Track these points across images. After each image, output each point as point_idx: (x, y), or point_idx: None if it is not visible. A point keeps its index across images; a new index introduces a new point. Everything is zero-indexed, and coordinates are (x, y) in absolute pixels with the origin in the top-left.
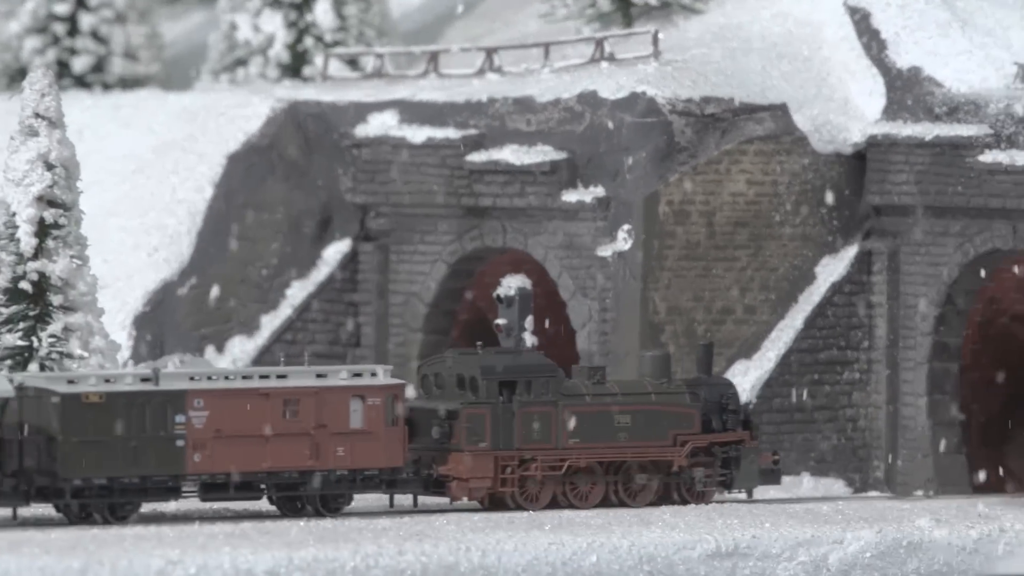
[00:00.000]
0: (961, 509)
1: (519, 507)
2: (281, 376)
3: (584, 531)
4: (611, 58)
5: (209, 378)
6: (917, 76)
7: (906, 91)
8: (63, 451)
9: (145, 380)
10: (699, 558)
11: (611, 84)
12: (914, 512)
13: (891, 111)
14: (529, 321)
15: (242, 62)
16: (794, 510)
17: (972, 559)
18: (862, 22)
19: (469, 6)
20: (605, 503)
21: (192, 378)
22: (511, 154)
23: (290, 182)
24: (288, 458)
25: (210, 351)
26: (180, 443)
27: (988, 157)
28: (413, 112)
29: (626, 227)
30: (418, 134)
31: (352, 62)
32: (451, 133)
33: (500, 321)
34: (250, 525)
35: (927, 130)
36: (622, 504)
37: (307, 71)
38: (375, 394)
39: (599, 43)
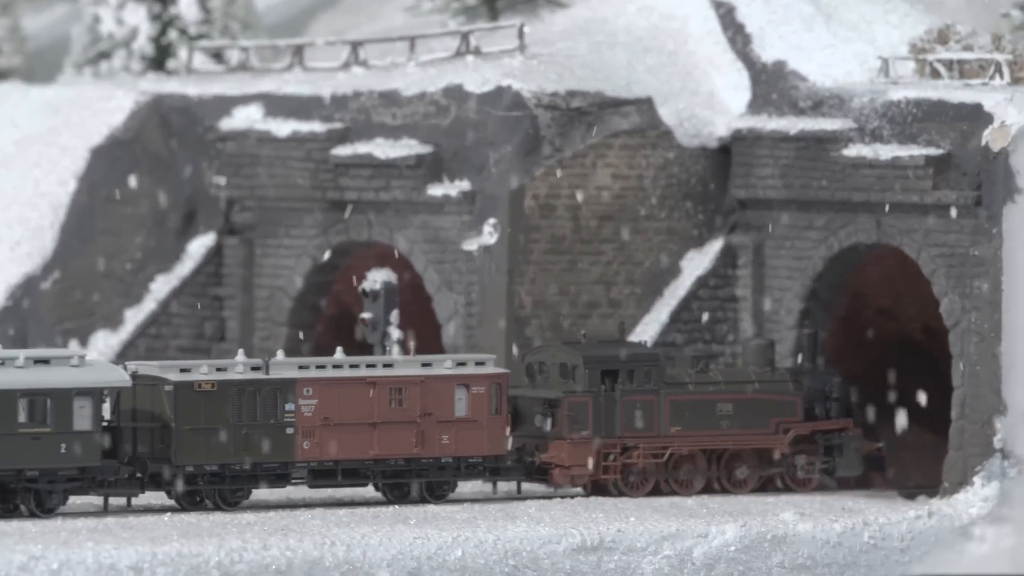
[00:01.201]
0: (825, 503)
1: (621, 494)
2: (388, 365)
3: (449, 525)
4: (476, 52)
5: (318, 367)
6: (782, 70)
7: (771, 85)
8: (176, 439)
9: (256, 368)
10: (564, 552)
11: (477, 78)
12: (778, 506)
13: (756, 105)
14: (395, 315)
15: (106, 55)
16: (659, 504)
17: (836, 552)
18: (727, 16)
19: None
20: (707, 490)
21: (301, 367)
22: (376, 148)
23: (154, 176)
24: (394, 446)
25: (73, 345)
26: (290, 431)
27: (852, 151)
28: (278, 105)
29: (492, 221)
30: (283, 127)
31: (217, 55)
32: (316, 127)
33: (365, 315)
34: (113, 520)
35: (792, 124)
36: (724, 491)
37: (171, 64)
38: (479, 383)
39: (464, 37)
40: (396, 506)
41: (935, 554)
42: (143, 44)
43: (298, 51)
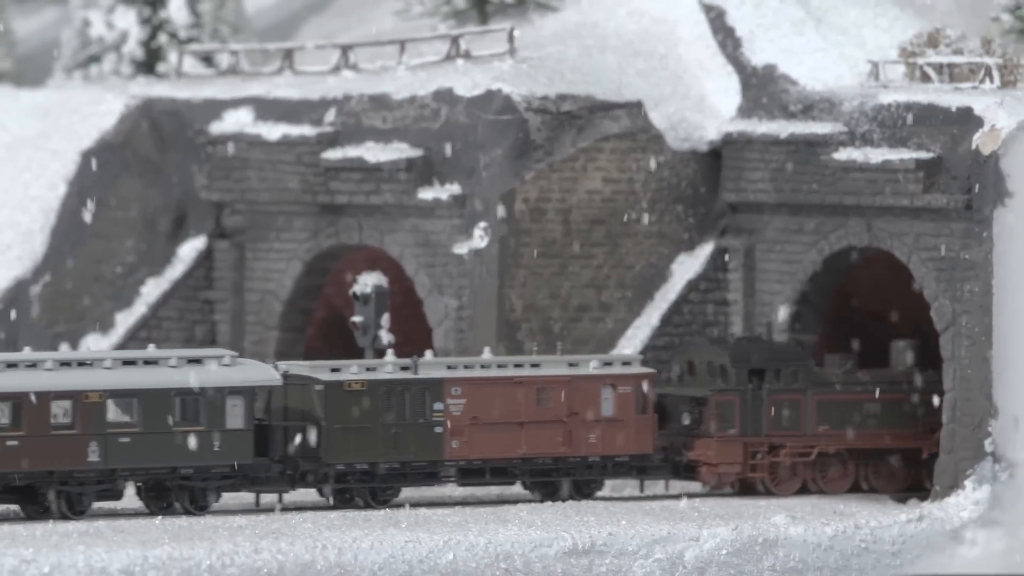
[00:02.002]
0: (817, 506)
1: (769, 493)
2: (535, 365)
3: (441, 529)
4: (467, 55)
5: (466, 367)
6: (772, 74)
7: (761, 89)
8: (327, 437)
9: (404, 368)
10: (556, 555)
11: (467, 81)
12: (770, 509)
13: (746, 109)
14: (385, 319)
15: (96, 59)
16: (650, 507)
17: (827, 556)
18: (717, 20)
19: (324, 3)
20: (855, 489)
21: (450, 366)
22: (367, 151)
23: (145, 179)
24: (542, 445)
25: (64, 349)
26: (439, 430)
27: (843, 155)
28: (268, 109)
29: (482, 225)
30: (273, 131)
31: (207, 59)
32: (306, 130)
33: (356, 318)
34: (105, 524)
35: (782, 128)
36: (872, 490)
37: (161, 68)
38: (626, 382)
39: (455, 40)
40: (387, 510)
41: (926, 557)
42: (133, 48)
43: (288, 55)
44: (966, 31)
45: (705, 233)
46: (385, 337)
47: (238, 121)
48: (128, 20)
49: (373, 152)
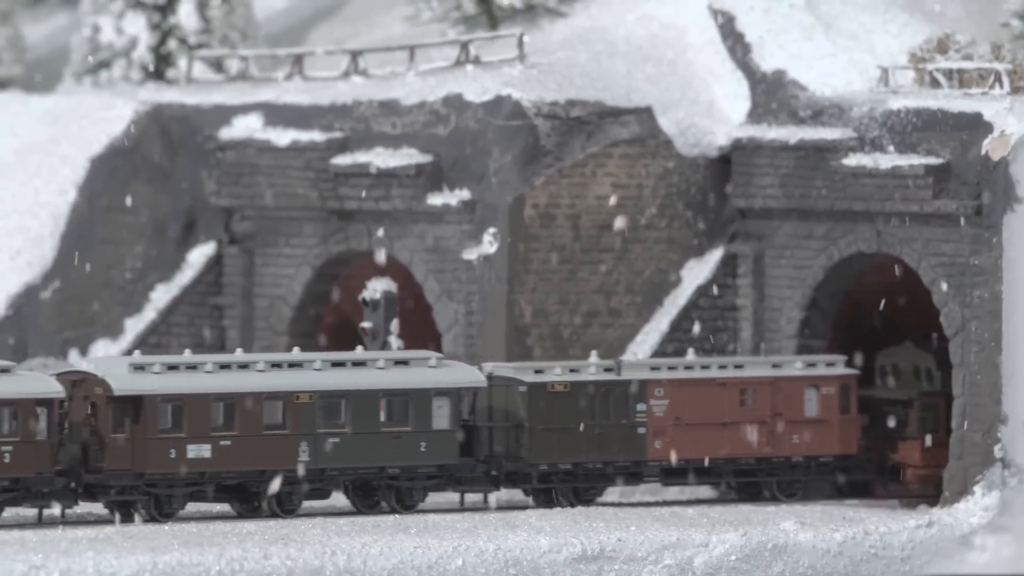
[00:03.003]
0: (826, 512)
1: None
2: (738, 366)
3: (450, 535)
4: (476, 61)
5: (669, 368)
6: (781, 79)
7: (771, 94)
8: (530, 438)
9: (608, 370)
10: (565, 562)
11: (476, 87)
12: (779, 515)
13: (756, 114)
14: (395, 324)
15: (105, 64)
16: (660, 513)
17: (837, 562)
18: (726, 25)
19: (334, 9)
20: None
21: (653, 368)
22: (376, 157)
23: (154, 185)
24: (745, 445)
25: (74, 355)
26: (641, 430)
27: (852, 160)
28: (278, 115)
29: (492, 230)
30: (283, 137)
31: (216, 64)
32: (316, 136)
33: (365, 324)
34: (114, 529)
35: (791, 133)
36: None
37: (171, 74)
38: (829, 384)
39: (464, 46)
40: (400, 515)
41: (936, 563)
42: (143, 54)
43: (298, 60)
44: (976, 37)
45: (714, 239)
46: (394, 343)
47: (247, 127)
48: (138, 26)
49: (383, 158)
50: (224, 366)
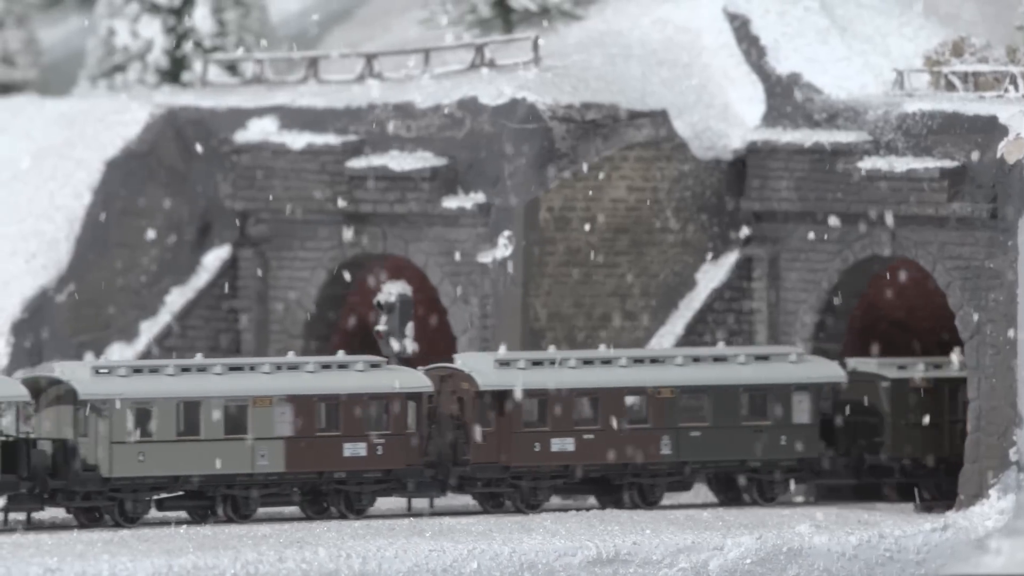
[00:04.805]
0: (841, 515)
1: None
2: None
3: (465, 538)
4: (491, 64)
5: None
6: (796, 82)
7: (786, 97)
8: (891, 434)
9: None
10: (580, 564)
11: (491, 90)
12: (794, 518)
13: (771, 117)
14: (410, 327)
15: (120, 68)
16: (675, 516)
17: (852, 565)
18: (741, 29)
19: (349, 12)
20: None
21: None
22: (391, 160)
23: (169, 188)
24: None
25: (89, 358)
26: None
27: (867, 163)
28: (293, 118)
29: (507, 233)
30: (298, 140)
31: (231, 68)
32: (331, 139)
33: (380, 327)
34: (129, 533)
35: (806, 136)
36: None
37: (186, 77)
38: None
39: (479, 49)
40: (412, 519)
41: (951, 566)
42: (158, 57)
43: (313, 63)
44: (991, 40)
45: (729, 242)
46: (409, 346)
47: (263, 130)
48: (153, 29)
49: (398, 161)
50: (587, 362)
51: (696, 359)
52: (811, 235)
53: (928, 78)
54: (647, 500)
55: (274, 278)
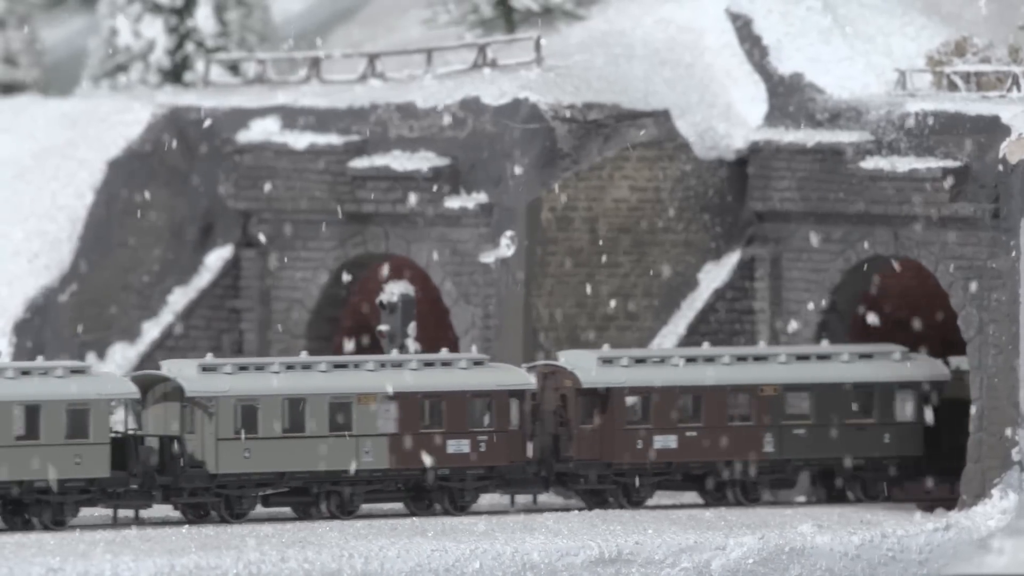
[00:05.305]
0: (843, 515)
1: None
2: None
3: (467, 538)
4: (493, 64)
5: None
6: (799, 82)
7: (788, 97)
8: None
9: None
10: (582, 564)
11: (494, 90)
12: (796, 518)
13: (773, 117)
14: (412, 327)
15: (123, 68)
16: (677, 516)
17: (854, 565)
18: (744, 29)
19: (351, 12)
20: None
21: None
22: (394, 160)
23: (171, 188)
24: None
25: (91, 358)
26: None
27: (870, 163)
28: (295, 118)
29: (509, 233)
30: (300, 140)
31: (234, 68)
32: (333, 139)
33: (383, 327)
34: (132, 532)
35: (809, 136)
36: None
37: (188, 77)
38: None
39: (481, 49)
40: (415, 518)
41: (953, 566)
42: (160, 57)
43: (315, 63)
44: (993, 40)
45: (732, 242)
46: (411, 346)
47: (265, 130)
48: (155, 29)
49: (400, 161)
50: (690, 359)
51: (800, 357)
52: (814, 235)
53: (930, 78)
54: (749, 497)
55: (276, 278)
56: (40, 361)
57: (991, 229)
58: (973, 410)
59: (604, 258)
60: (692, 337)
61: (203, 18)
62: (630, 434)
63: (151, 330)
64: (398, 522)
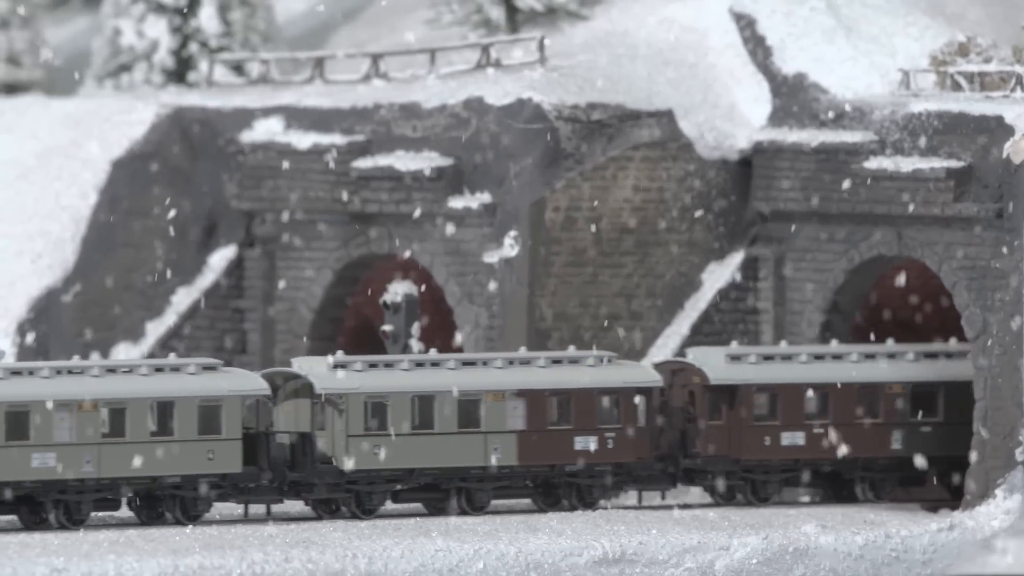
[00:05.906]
0: (847, 515)
1: None
2: None
3: (471, 538)
4: (497, 64)
5: None
6: (803, 83)
7: (792, 97)
8: None
9: None
10: (586, 564)
11: (497, 90)
12: (800, 518)
13: (777, 117)
14: (416, 328)
15: (126, 68)
16: (680, 516)
17: (858, 565)
18: (747, 29)
19: (354, 12)
20: None
21: None
22: (397, 160)
23: (175, 188)
24: None
25: (95, 358)
26: None
27: (873, 163)
28: (299, 118)
29: (512, 233)
30: (304, 140)
31: (237, 68)
32: (337, 139)
33: (387, 327)
34: (136, 532)
35: (812, 136)
36: None
37: (192, 77)
38: None
39: (485, 49)
40: (417, 519)
41: (957, 566)
42: (164, 57)
43: (319, 64)
44: (997, 40)
45: (735, 242)
46: (415, 346)
47: (268, 130)
48: (159, 29)
49: (403, 161)
50: (817, 357)
51: (928, 355)
52: (818, 235)
53: (934, 78)
54: (878, 495)
55: (280, 278)
56: (172, 358)
57: (995, 229)
58: (976, 409)
59: (607, 258)
60: (695, 337)
61: (207, 18)
62: (757, 431)
63: (154, 330)
64: (402, 522)
